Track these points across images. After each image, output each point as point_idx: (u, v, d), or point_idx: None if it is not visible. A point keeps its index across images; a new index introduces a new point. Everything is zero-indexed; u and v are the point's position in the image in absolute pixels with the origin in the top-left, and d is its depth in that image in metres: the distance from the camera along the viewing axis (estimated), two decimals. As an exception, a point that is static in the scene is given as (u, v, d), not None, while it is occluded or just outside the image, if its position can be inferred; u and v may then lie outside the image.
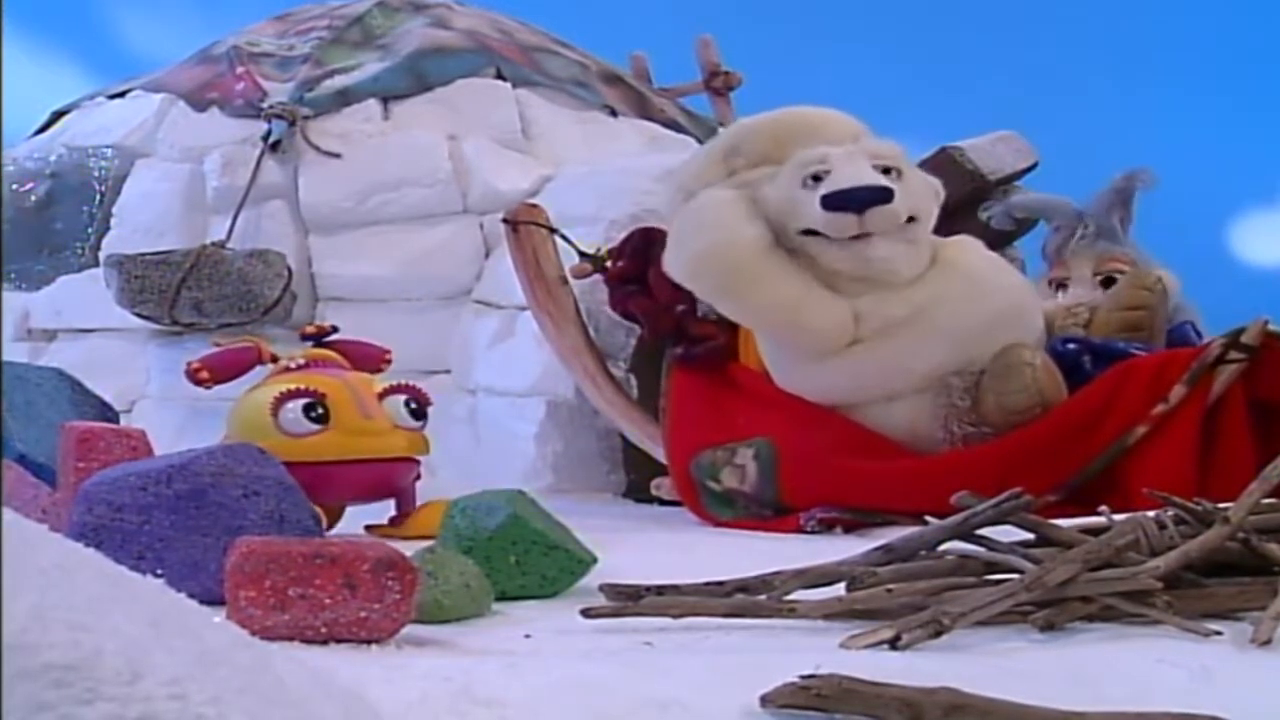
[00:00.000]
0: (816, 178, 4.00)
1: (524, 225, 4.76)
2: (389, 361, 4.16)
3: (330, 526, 3.72)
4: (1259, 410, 3.82)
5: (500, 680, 1.94)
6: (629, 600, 2.53)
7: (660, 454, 4.39)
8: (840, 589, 2.53)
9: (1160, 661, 2.18)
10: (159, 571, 2.30)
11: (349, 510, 3.88)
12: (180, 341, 5.30)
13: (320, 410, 3.72)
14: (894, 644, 2.21)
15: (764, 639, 2.34)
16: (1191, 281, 4.49)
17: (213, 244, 5.29)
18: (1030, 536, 2.62)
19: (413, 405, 3.85)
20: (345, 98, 5.62)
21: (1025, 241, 5.04)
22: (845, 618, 2.41)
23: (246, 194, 5.39)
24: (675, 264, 4.12)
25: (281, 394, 3.73)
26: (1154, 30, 8.88)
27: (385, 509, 3.88)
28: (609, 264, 4.55)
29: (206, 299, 5.19)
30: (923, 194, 4.09)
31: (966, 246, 4.18)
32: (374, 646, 2.25)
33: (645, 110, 6.04)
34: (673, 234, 4.19)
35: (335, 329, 4.21)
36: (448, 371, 5.26)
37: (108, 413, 3.95)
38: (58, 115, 6.22)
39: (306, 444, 3.66)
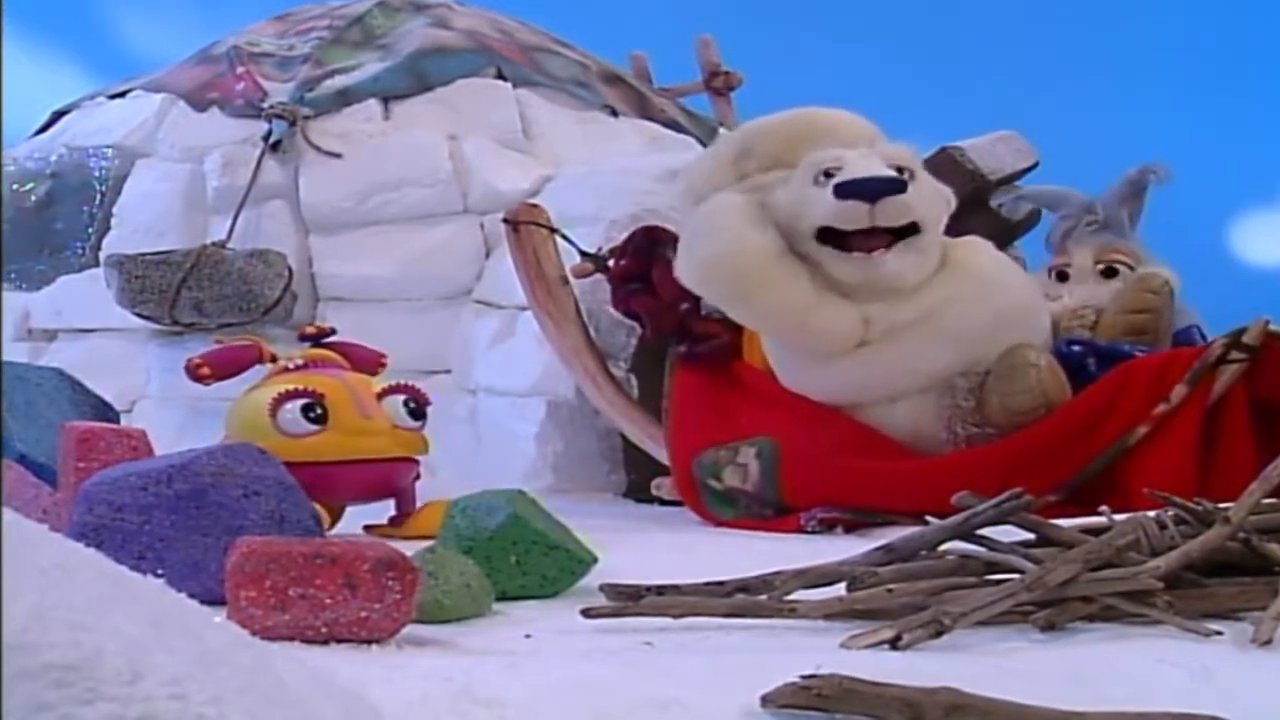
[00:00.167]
0: (829, 174, 3.99)
1: (524, 225, 4.76)
2: (384, 366, 4.16)
3: (330, 526, 3.72)
4: (1260, 410, 3.82)
5: (501, 680, 1.94)
6: (629, 600, 2.53)
7: (660, 454, 4.39)
8: (841, 589, 2.53)
9: (1161, 661, 2.17)
10: (159, 571, 2.30)
11: (349, 510, 3.88)
12: (180, 342, 5.30)
13: (319, 410, 3.72)
14: (894, 644, 2.20)
15: (764, 639, 2.34)
16: (1192, 281, 4.48)
17: (213, 244, 5.29)
18: (1031, 536, 2.62)
19: (411, 405, 3.85)
20: (345, 98, 5.62)
21: (1025, 241, 5.04)
22: (846, 618, 2.41)
23: (247, 194, 5.39)
24: (686, 270, 4.11)
25: (280, 394, 3.73)
26: (1154, 30, 8.88)
27: (385, 509, 3.88)
28: (611, 263, 4.55)
29: (207, 299, 5.19)
30: (934, 201, 4.07)
31: (976, 248, 4.16)
32: (374, 646, 2.25)
33: (646, 110, 6.04)
34: (683, 240, 4.18)
35: (334, 330, 4.21)
36: (448, 371, 5.26)
37: (108, 413, 3.94)
38: (58, 115, 6.22)
39: (305, 444, 3.66)
